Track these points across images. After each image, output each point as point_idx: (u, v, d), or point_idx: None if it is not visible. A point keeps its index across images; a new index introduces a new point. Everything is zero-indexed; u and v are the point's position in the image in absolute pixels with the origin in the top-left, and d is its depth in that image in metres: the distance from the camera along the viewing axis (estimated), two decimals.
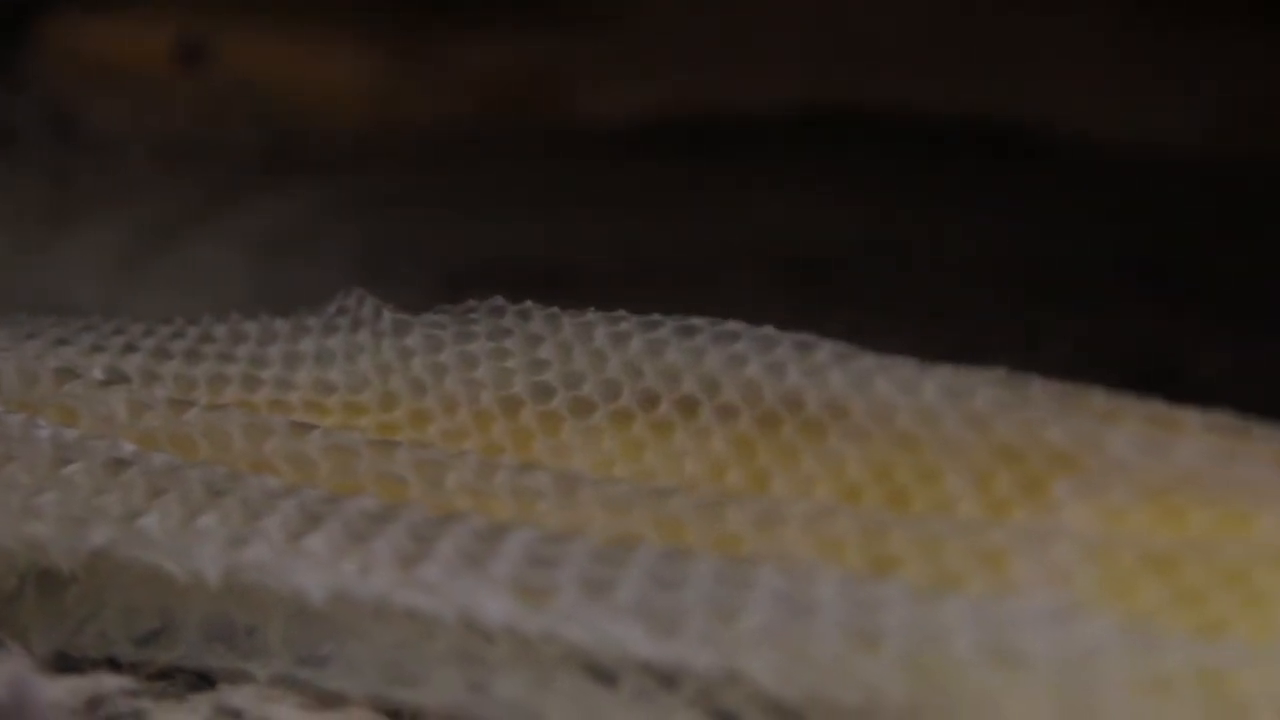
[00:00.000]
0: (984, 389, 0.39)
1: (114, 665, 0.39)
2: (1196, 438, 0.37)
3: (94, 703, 0.38)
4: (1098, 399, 0.39)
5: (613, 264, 0.81)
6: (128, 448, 0.41)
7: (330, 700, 0.37)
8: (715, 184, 0.88)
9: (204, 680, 0.38)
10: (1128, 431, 0.38)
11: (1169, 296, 0.80)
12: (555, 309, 0.46)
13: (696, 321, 0.43)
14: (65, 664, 0.39)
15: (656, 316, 0.44)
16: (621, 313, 0.45)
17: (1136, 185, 0.83)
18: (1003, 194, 0.85)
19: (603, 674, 0.35)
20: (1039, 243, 0.83)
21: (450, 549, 0.36)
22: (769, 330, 0.42)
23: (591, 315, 0.45)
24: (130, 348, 0.48)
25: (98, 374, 0.46)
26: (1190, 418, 0.38)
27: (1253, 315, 0.78)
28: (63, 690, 0.38)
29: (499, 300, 0.47)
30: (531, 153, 0.86)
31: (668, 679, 0.35)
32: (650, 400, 0.42)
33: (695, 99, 0.88)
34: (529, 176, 0.85)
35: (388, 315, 0.47)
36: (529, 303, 0.47)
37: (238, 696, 0.37)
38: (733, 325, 0.43)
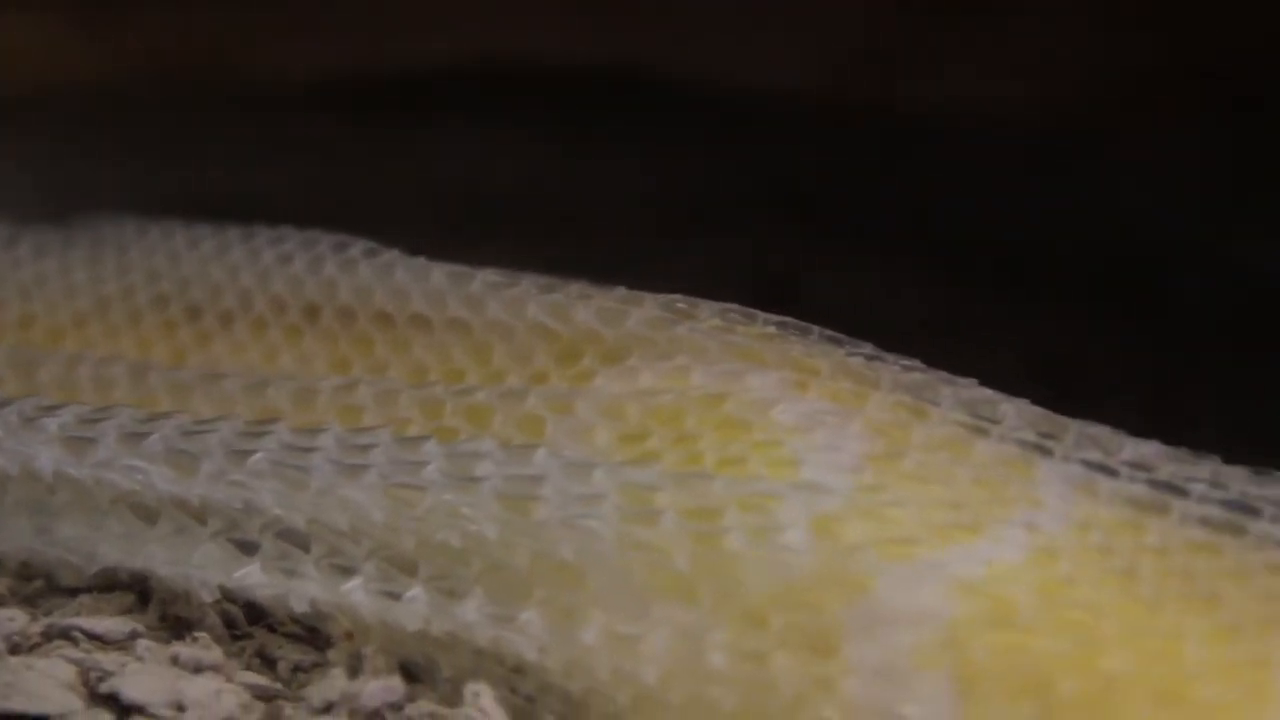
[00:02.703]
0: (480, 275, 0.46)
1: None
2: (649, 310, 0.45)
3: None
4: (574, 287, 0.46)
5: (291, 208, 0.88)
6: None
7: None
8: (390, 135, 0.94)
9: None
10: (593, 307, 0.45)
11: (793, 225, 0.89)
12: (144, 221, 0.52)
13: (256, 228, 0.50)
14: None
15: (234, 227, 0.51)
16: (202, 224, 0.52)
17: (770, 125, 0.90)
18: (653, 137, 0.93)
19: (146, 513, 0.42)
20: (682, 179, 0.91)
21: (13, 416, 0.43)
22: (313, 233, 0.49)
23: (173, 225, 0.52)
24: None
25: None
26: (647, 297, 0.45)
27: (864, 241, 0.86)
28: None
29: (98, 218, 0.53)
30: (212, 107, 0.91)
31: (199, 514, 0.42)
32: (217, 294, 0.49)
33: (374, 56, 0.94)
34: (212, 130, 0.91)
35: (2, 230, 0.54)
36: (127, 219, 0.53)
37: None
38: (285, 229, 0.50)
